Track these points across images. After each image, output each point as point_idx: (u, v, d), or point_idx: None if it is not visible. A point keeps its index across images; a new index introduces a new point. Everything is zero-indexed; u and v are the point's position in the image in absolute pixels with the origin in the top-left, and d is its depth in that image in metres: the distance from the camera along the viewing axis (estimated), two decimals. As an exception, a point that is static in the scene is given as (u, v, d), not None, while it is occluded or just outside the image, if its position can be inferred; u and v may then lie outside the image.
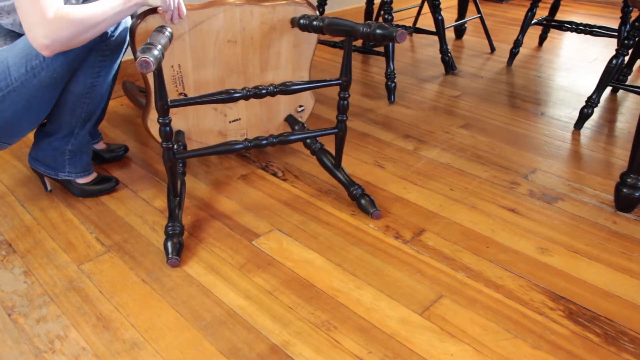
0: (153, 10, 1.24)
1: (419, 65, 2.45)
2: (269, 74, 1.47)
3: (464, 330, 1.03)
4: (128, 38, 1.29)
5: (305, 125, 1.56)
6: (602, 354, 0.99)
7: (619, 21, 2.35)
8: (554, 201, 1.44)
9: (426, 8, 3.06)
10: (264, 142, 1.29)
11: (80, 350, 0.99)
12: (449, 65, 2.35)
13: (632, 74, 2.33)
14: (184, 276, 1.17)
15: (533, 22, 2.40)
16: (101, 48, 1.22)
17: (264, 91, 1.24)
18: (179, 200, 1.30)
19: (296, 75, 1.51)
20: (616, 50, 1.75)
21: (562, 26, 2.36)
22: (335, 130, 1.36)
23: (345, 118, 1.34)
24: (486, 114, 1.96)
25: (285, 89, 1.26)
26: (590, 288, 1.14)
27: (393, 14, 1.96)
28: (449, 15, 3.13)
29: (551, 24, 2.43)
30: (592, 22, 2.90)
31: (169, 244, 1.20)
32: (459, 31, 2.84)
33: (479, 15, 2.62)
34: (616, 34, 2.28)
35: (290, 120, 1.58)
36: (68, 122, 1.31)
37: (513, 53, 2.42)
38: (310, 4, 1.40)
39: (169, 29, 1.20)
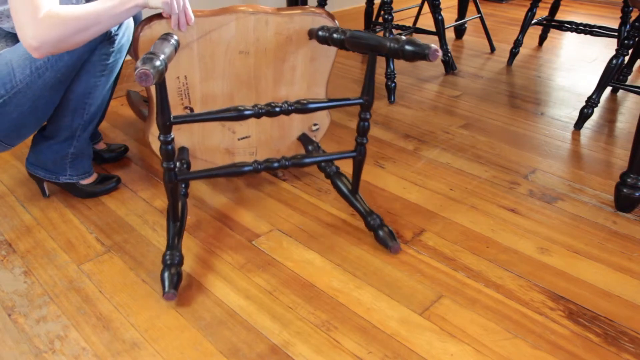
0: (160, 16, 1.16)
1: (419, 65, 2.45)
2: (282, 89, 1.36)
3: (464, 330, 1.03)
4: (131, 38, 1.26)
5: (319, 145, 1.45)
6: (602, 354, 0.99)
7: (619, 21, 2.36)
8: (554, 201, 1.44)
9: (426, 8, 3.06)
10: (276, 164, 1.19)
11: (80, 350, 0.99)
12: (449, 65, 2.35)
13: (632, 74, 2.33)
14: (184, 276, 1.17)
15: (533, 22, 2.40)
16: (105, 47, 1.22)
17: (277, 109, 1.13)
18: (179, 226, 1.20)
19: (312, 92, 1.40)
20: (616, 50, 1.75)
21: (562, 26, 2.36)
22: (354, 154, 1.25)
23: (365, 141, 1.23)
24: (486, 114, 1.96)
25: (301, 108, 1.15)
26: (590, 288, 1.14)
27: (393, 14, 1.96)
28: (449, 15, 3.13)
29: (551, 24, 2.43)
30: (592, 22, 2.90)
31: (166, 275, 1.09)
32: (459, 31, 2.84)
33: (479, 15, 2.62)
34: (616, 34, 2.28)
35: (304, 139, 1.46)
36: (69, 124, 1.31)
37: (513, 53, 2.42)
38: (329, 15, 1.29)
39: (176, 37, 1.10)
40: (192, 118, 1.08)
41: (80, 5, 1.06)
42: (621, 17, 2.30)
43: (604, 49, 2.64)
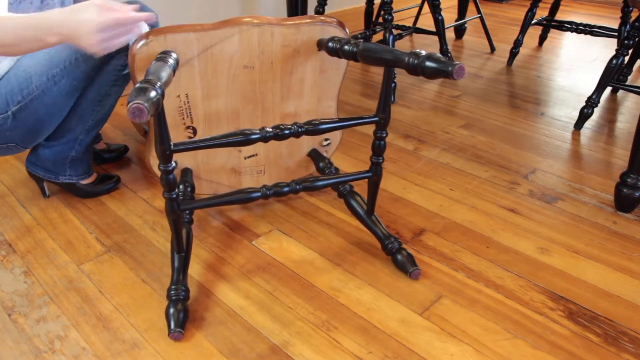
0: (158, 31, 1.07)
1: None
2: (290, 104, 1.28)
3: (464, 330, 1.03)
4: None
5: (331, 161, 1.37)
6: (602, 354, 0.99)
7: (619, 21, 2.35)
8: (554, 201, 1.44)
9: (426, 8, 3.06)
10: (286, 189, 1.10)
11: (80, 350, 0.99)
12: (449, 65, 2.35)
13: (632, 74, 2.33)
14: (184, 276, 1.17)
15: (533, 22, 2.40)
16: (121, 59, 1.23)
17: (287, 132, 1.04)
18: (184, 257, 1.11)
19: (322, 105, 1.31)
20: (616, 50, 1.75)
21: (562, 26, 2.36)
22: (369, 174, 1.17)
23: (381, 160, 1.15)
24: (486, 114, 1.96)
25: (312, 129, 1.07)
26: (590, 288, 1.14)
27: (393, 14, 1.96)
28: (449, 15, 3.13)
29: (551, 24, 2.43)
30: (592, 22, 2.90)
31: (172, 312, 1.03)
32: (459, 31, 2.84)
33: (479, 15, 2.62)
34: (616, 34, 2.28)
35: (314, 155, 1.39)
36: (74, 127, 1.31)
37: (513, 53, 2.42)
38: (340, 24, 1.18)
39: (175, 55, 1.02)
40: (194, 145, 0.99)
41: (13, 20, 0.95)
42: (621, 17, 2.30)
43: (604, 49, 2.64)
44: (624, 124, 1.89)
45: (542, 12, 2.90)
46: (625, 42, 1.72)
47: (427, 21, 2.95)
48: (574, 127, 1.85)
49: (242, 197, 1.09)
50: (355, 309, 1.08)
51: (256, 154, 1.35)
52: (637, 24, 1.71)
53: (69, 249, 1.25)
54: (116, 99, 1.32)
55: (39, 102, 1.20)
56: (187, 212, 1.23)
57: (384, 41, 1.99)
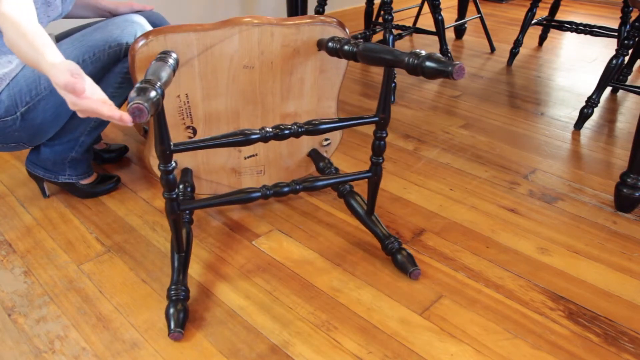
0: (158, 31, 1.07)
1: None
2: (290, 104, 1.29)
3: (464, 330, 1.03)
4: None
5: (331, 161, 1.37)
6: (602, 354, 0.99)
7: (619, 21, 2.36)
8: (554, 201, 1.44)
9: (426, 8, 3.06)
10: (286, 189, 1.11)
11: (80, 350, 0.99)
12: (449, 65, 2.35)
13: (632, 74, 2.33)
14: (184, 276, 1.17)
15: (533, 22, 2.40)
16: (127, 61, 1.23)
17: (287, 132, 1.05)
18: (184, 257, 1.11)
19: (322, 105, 1.32)
20: (616, 50, 1.75)
21: (562, 26, 2.36)
22: (369, 174, 1.17)
23: (381, 160, 1.16)
24: (486, 114, 1.96)
25: (312, 129, 1.07)
26: (590, 288, 1.14)
27: (393, 14, 1.97)
28: (449, 15, 3.13)
29: (551, 24, 2.43)
30: (592, 22, 2.90)
31: (171, 312, 1.03)
32: (459, 31, 2.84)
33: (479, 15, 2.62)
34: (616, 34, 2.28)
35: (314, 155, 1.39)
36: (75, 127, 1.31)
37: (513, 53, 2.42)
38: (340, 24, 1.19)
39: (175, 55, 1.02)
40: (194, 145, 0.99)
41: (26, 25, 0.95)
42: (621, 17, 2.30)
43: (604, 49, 2.64)
44: (624, 124, 1.89)
45: (542, 12, 2.90)
46: (625, 42, 1.73)
47: (427, 21, 2.95)
48: (574, 127, 1.85)
49: (242, 197, 1.09)
50: (355, 309, 1.08)
51: (256, 154, 1.35)
52: (637, 24, 1.71)
53: (69, 249, 1.25)
54: (121, 101, 1.33)
55: (46, 103, 1.21)
56: (187, 212, 1.23)
57: (384, 41, 1.99)
